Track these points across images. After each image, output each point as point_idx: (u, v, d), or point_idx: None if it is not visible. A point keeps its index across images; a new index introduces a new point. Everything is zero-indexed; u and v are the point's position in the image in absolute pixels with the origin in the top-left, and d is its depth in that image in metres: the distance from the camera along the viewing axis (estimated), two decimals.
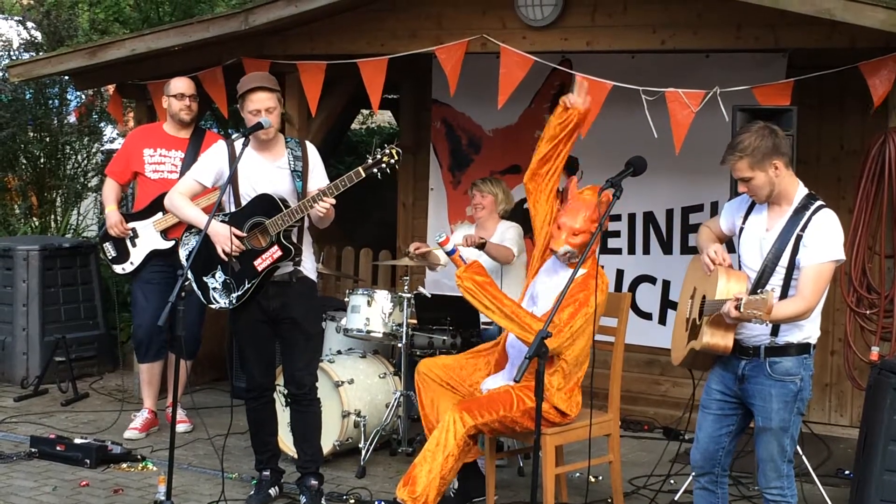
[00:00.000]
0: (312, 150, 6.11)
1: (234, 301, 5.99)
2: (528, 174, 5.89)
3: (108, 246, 7.46)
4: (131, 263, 7.39)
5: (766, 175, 4.81)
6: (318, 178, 6.03)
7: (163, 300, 7.15)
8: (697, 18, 6.53)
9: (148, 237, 7.34)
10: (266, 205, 5.88)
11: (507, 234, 7.20)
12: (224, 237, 5.85)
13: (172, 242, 7.22)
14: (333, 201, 5.78)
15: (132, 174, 7.47)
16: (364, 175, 5.76)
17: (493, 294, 5.62)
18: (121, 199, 7.65)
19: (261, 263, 5.89)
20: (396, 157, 5.79)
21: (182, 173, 7.10)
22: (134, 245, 7.38)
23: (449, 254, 5.92)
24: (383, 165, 5.76)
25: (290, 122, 7.93)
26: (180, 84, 7.37)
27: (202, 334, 7.67)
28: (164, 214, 7.23)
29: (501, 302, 5.59)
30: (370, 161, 5.77)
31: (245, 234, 5.91)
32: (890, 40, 5.89)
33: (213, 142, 7.25)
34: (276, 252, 5.88)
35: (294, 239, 5.95)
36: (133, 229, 7.35)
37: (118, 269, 7.46)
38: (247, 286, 5.94)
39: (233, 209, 6.00)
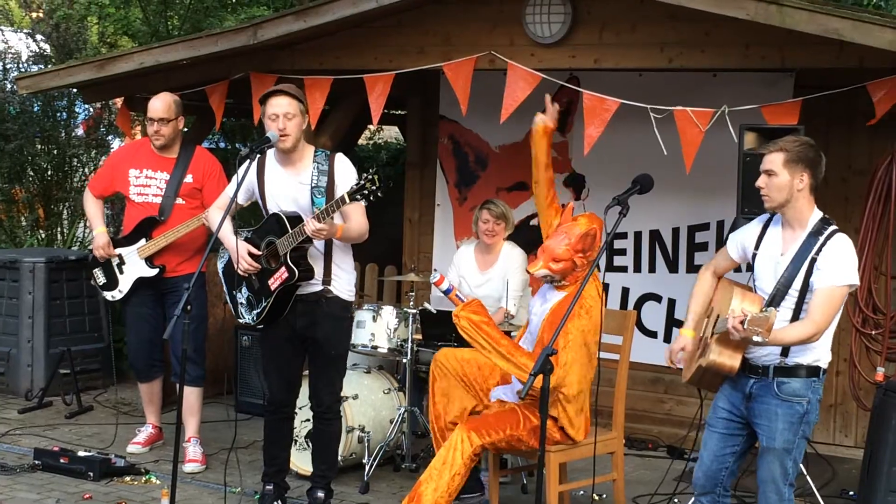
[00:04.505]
0: (341, 165, 5.94)
1: (255, 318, 6.00)
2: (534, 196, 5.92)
3: (97, 272, 7.27)
4: (120, 291, 7.21)
5: (791, 180, 4.81)
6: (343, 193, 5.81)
7: (149, 325, 7.23)
8: (705, 37, 6.53)
9: (133, 264, 7.14)
10: (276, 224, 5.86)
11: (511, 262, 7.20)
12: (239, 256, 5.87)
13: (157, 270, 7.09)
14: (320, 226, 5.62)
15: (114, 192, 7.36)
16: (349, 201, 5.60)
17: (488, 333, 5.55)
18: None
19: (273, 283, 5.89)
20: (378, 185, 5.57)
21: (166, 195, 7.06)
22: (121, 272, 7.19)
23: (445, 293, 5.89)
24: (365, 192, 5.57)
25: None
26: (153, 107, 7.04)
27: (205, 356, 7.55)
28: (147, 241, 7.06)
29: (497, 342, 5.53)
30: (353, 187, 5.60)
31: (259, 253, 5.90)
32: None
33: (203, 160, 7.20)
34: (283, 273, 5.83)
35: (310, 259, 5.87)
36: (119, 255, 7.15)
37: (108, 296, 7.28)
38: (264, 304, 5.94)
39: None
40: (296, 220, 5.81)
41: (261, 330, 6.20)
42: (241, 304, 6.08)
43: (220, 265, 6.23)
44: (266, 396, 6.33)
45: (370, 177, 5.56)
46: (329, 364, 6.11)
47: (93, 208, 7.32)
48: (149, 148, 7.20)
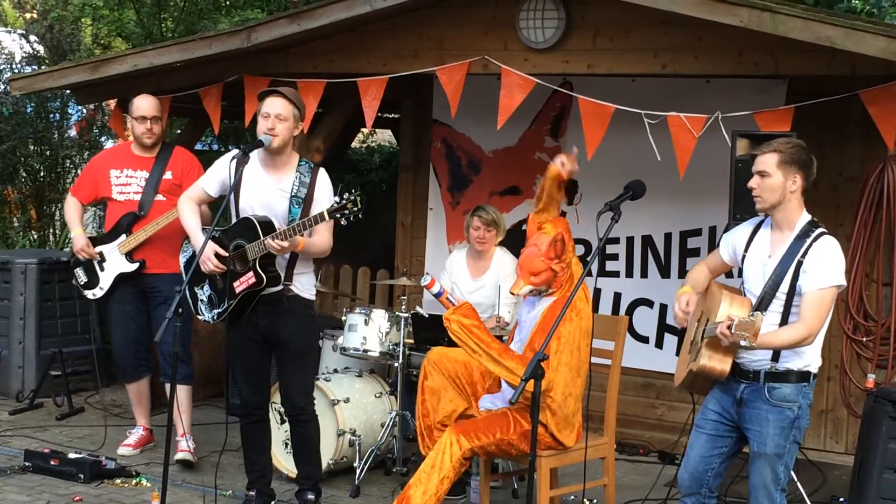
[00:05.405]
0: (322, 180, 5.95)
1: (215, 317, 6.00)
2: (532, 213, 5.85)
3: (78, 271, 7.33)
4: (101, 289, 7.26)
5: (784, 181, 4.83)
6: (320, 209, 5.78)
7: (134, 324, 7.26)
8: (699, 43, 6.54)
9: (114, 260, 7.20)
10: (247, 229, 5.84)
11: (503, 268, 7.21)
12: (205, 255, 5.85)
13: (137, 264, 7.14)
14: (285, 244, 5.64)
15: (99, 197, 7.40)
16: (328, 219, 5.62)
17: (479, 337, 5.56)
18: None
19: (239, 286, 5.88)
20: (360, 206, 5.56)
21: (146, 191, 7.12)
22: (102, 269, 7.25)
23: (436, 296, 5.88)
24: (346, 212, 5.57)
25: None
26: (143, 105, 7.17)
27: (192, 354, 7.57)
28: (127, 236, 7.13)
29: (489, 345, 5.54)
30: (334, 205, 5.60)
31: (227, 254, 5.90)
32: (890, 67, 5.90)
33: (182, 157, 7.28)
34: (250, 278, 5.83)
35: (276, 265, 5.87)
36: (100, 253, 7.21)
37: (89, 294, 7.33)
38: (226, 305, 5.94)
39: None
40: (268, 225, 5.79)
41: (226, 334, 6.20)
42: (202, 300, 6.08)
43: (182, 259, 6.25)
44: (239, 399, 6.34)
45: (353, 198, 5.55)
46: (296, 361, 6.09)
47: (71, 211, 7.41)
48: (128, 150, 7.32)
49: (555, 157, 5.68)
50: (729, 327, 4.56)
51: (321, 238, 5.90)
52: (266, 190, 5.92)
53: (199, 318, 6.13)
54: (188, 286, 6.11)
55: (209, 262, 5.86)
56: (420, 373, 6.05)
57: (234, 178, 5.86)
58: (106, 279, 7.24)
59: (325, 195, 5.90)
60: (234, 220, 6.00)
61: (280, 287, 5.93)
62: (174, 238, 7.10)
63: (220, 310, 5.98)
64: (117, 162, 7.28)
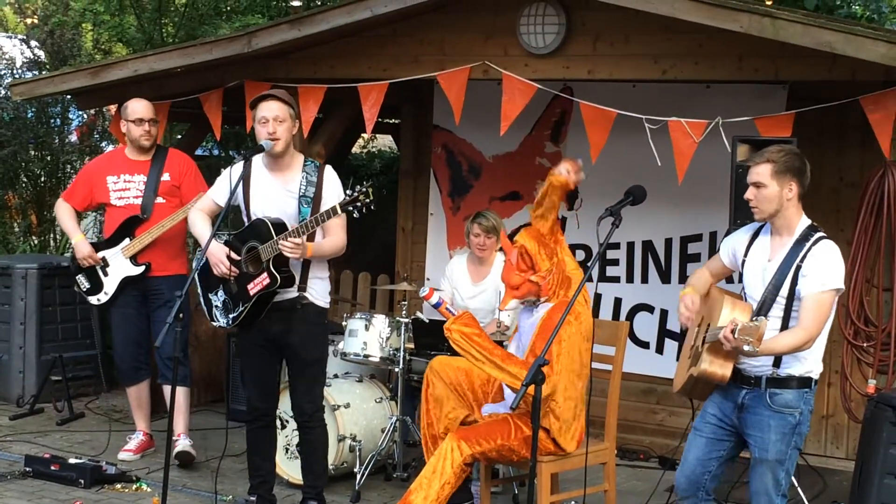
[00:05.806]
0: (329, 177, 5.96)
1: (230, 322, 6.00)
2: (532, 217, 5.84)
3: (80, 278, 7.31)
4: (105, 294, 7.25)
5: (780, 191, 4.83)
6: (329, 206, 5.81)
7: (135, 327, 7.26)
8: (699, 49, 6.55)
9: (118, 265, 7.19)
10: (260, 230, 5.85)
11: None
12: (217, 259, 5.86)
13: (143, 267, 7.15)
14: (298, 241, 5.67)
15: (95, 204, 7.41)
16: (340, 212, 5.65)
17: (481, 345, 5.56)
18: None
19: (252, 288, 5.88)
20: (371, 198, 5.61)
21: (146, 195, 7.13)
22: (106, 274, 7.23)
23: (435, 306, 5.88)
24: (358, 204, 5.59)
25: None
26: (139, 108, 7.19)
27: (191, 357, 7.57)
28: (131, 240, 7.13)
29: (491, 352, 5.53)
30: (346, 199, 5.63)
31: (239, 258, 5.90)
32: (890, 73, 5.91)
33: (177, 159, 7.30)
34: (264, 279, 5.83)
35: (290, 266, 5.87)
36: (103, 258, 7.20)
37: (93, 300, 7.32)
38: (241, 309, 5.94)
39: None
40: (280, 226, 5.80)
41: (237, 338, 6.20)
42: (217, 306, 6.07)
43: (195, 265, 6.26)
44: (247, 404, 6.34)
45: (365, 189, 5.57)
46: (306, 370, 6.08)
47: (67, 218, 7.38)
48: (122, 155, 7.33)
49: (559, 164, 5.59)
50: (732, 331, 4.56)
51: (335, 238, 5.91)
52: (274, 193, 5.93)
53: (214, 323, 6.13)
54: (203, 294, 6.13)
55: (221, 264, 5.87)
56: (423, 381, 6.05)
57: (238, 180, 5.86)
58: (111, 284, 7.23)
59: (333, 193, 5.90)
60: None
61: (295, 294, 5.93)
62: (176, 240, 7.13)
63: (234, 314, 5.97)
64: (113, 168, 7.27)
